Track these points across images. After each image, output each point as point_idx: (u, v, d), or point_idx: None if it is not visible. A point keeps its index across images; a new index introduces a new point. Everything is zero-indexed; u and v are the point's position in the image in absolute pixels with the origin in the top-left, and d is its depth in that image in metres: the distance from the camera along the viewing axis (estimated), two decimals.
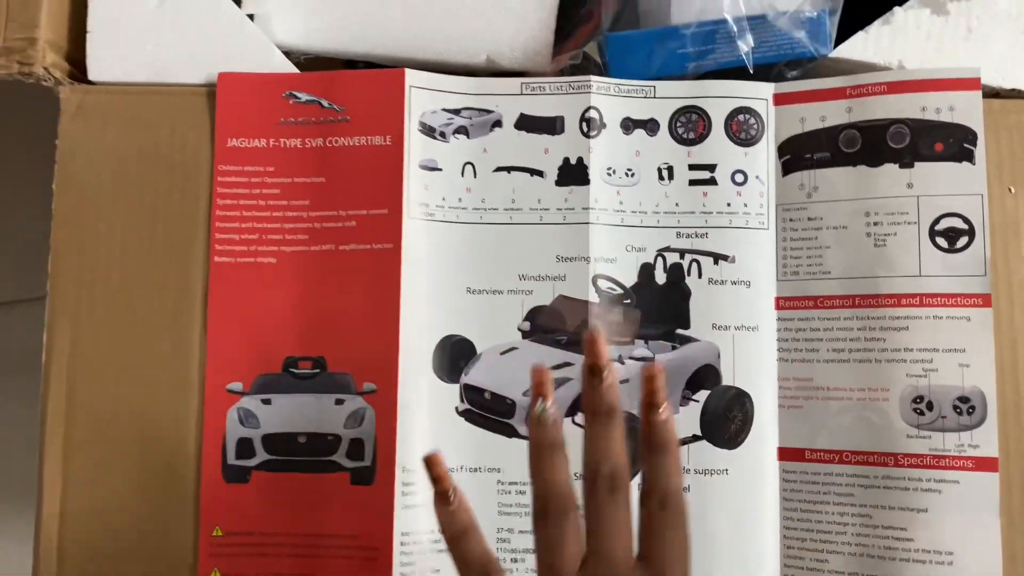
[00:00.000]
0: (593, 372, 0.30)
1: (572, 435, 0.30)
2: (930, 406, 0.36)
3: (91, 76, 0.39)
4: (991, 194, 0.38)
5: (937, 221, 0.37)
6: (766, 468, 0.37)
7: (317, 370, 0.37)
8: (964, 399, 0.35)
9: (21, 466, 0.46)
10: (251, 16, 0.40)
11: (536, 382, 0.30)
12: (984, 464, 0.35)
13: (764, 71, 0.40)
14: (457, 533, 0.30)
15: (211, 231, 0.38)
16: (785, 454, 0.37)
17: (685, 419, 0.37)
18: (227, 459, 0.37)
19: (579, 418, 0.36)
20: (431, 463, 0.30)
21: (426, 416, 0.37)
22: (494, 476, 0.37)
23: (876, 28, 0.41)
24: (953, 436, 0.35)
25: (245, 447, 0.37)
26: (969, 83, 0.37)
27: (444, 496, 0.30)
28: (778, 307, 0.38)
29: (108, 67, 0.39)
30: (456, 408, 0.38)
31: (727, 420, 0.38)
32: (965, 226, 0.36)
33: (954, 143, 0.37)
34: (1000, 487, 0.35)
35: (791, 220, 0.38)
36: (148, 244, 0.38)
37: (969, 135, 0.37)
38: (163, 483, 0.37)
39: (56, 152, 0.38)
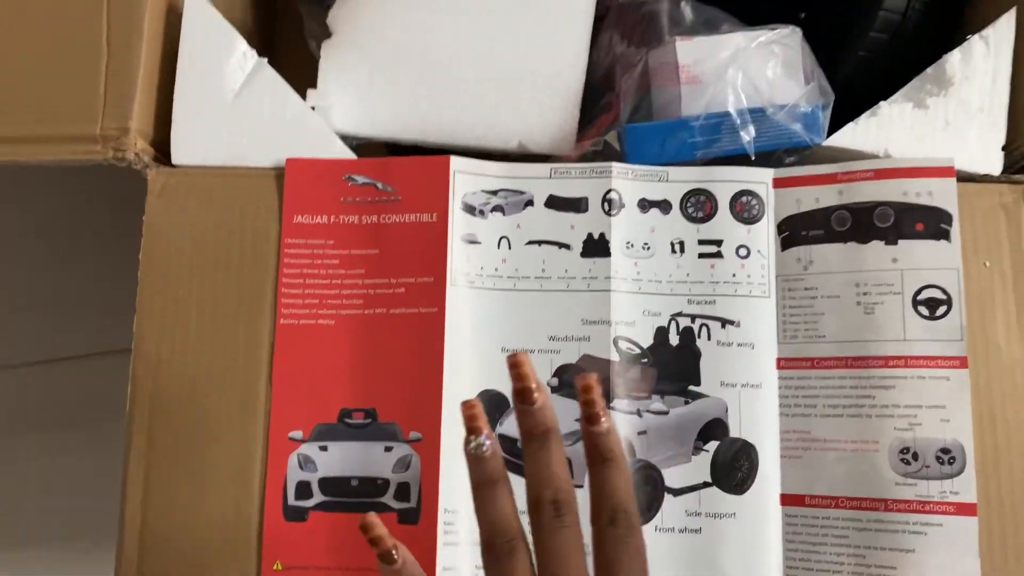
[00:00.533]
0: (521, 396, 0.29)
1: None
2: (916, 456, 0.40)
3: (175, 160, 0.45)
4: (967, 268, 0.43)
5: (919, 292, 0.41)
6: (770, 512, 0.42)
7: (369, 420, 0.42)
8: (946, 450, 0.40)
9: (94, 504, 0.51)
10: (314, 108, 0.46)
11: (466, 416, 0.29)
12: (964, 509, 0.39)
13: (764, 158, 0.45)
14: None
15: (277, 296, 0.43)
16: (787, 500, 0.42)
17: (696, 467, 0.42)
18: (287, 500, 0.41)
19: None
20: (366, 528, 0.30)
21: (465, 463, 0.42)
22: (524, 518, 0.42)
23: (864, 120, 0.46)
24: (936, 484, 0.40)
25: (303, 489, 0.41)
26: (945, 171, 0.42)
27: (387, 555, 0.30)
28: (779, 367, 0.43)
29: (189, 152, 0.45)
30: None
31: (734, 468, 0.42)
32: (944, 297, 0.41)
33: (932, 223, 0.42)
34: (979, 530, 0.39)
35: (790, 290, 0.43)
36: (222, 307, 0.43)
37: (945, 217, 0.42)
38: (230, 520, 0.41)
39: (143, 225, 0.44)
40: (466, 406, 0.29)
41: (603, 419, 0.29)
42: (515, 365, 0.29)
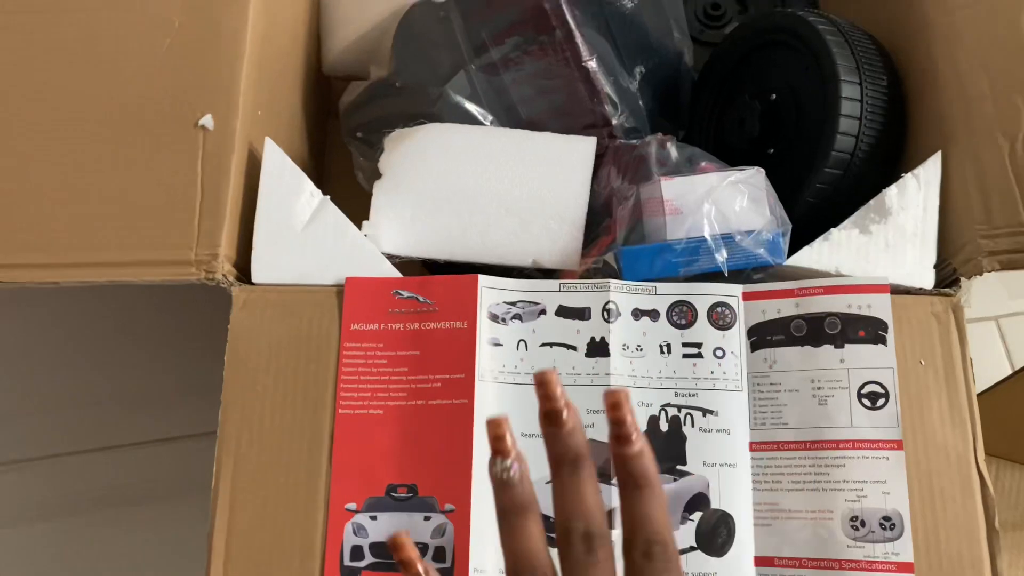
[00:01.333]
0: (549, 418, 0.26)
1: None
2: (863, 524, 0.48)
3: (255, 279, 0.53)
4: (905, 366, 0.51)
5: (862, 387, 0.50)
6: (745, 572, 0.49)
7: (411, 494, 0.50)
8: (887, 518, 0.48)
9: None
10: (367, 235, 0.56)
11: (492, 436, 0.26)
12: (903, 567, 0.47)
13: (736, 275, 0.54)
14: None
15: (337, 390, 0.52)
16: (760, 561, 0.49)
17: (684, 534, 0.50)
18: (343, 561, 0.49)
19: None
20: (397, 548, 0.27)
21: (492, 530, 0.50)
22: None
23: (818, 243, 0.54)
24: (880, 546, 0.47)
25: (357, 552, 0.50)
26: (881, 288, 0.51)
27: None
28: (751, 449, 0.51)
29: (267, 272, 0.54)
30: None
31: (715, 535, 0.50)
32: (883, 391, 0.50)
33: (872, 330, 0.51)
34: None
35: (758, 385, 0.52)
36: (291, 400, 0.52)
37: (882, 325, 0.51)
38: None
39: (228, 334, 0.53)
40: (492, 424, 0.27)
41: (635, 438, 0.26)
42: (542, 384, 0.26)
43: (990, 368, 0.63)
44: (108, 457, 0.74)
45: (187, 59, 0.56)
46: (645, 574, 0.26)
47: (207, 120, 0.55)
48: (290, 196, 0.55)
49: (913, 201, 0.55)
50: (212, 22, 0.57)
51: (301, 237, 0.54)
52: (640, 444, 0.26)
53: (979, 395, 0.63)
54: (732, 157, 0.61)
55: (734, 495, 0.50)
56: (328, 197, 0.56)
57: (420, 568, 0.29)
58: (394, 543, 0.28)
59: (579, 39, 0.61)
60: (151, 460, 0.74)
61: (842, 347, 0.51)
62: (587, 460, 0.27)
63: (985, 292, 0.70)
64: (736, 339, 0.53)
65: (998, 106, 0.55)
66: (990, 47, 0.56)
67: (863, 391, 0.50)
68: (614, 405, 0.26)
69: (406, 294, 0.53)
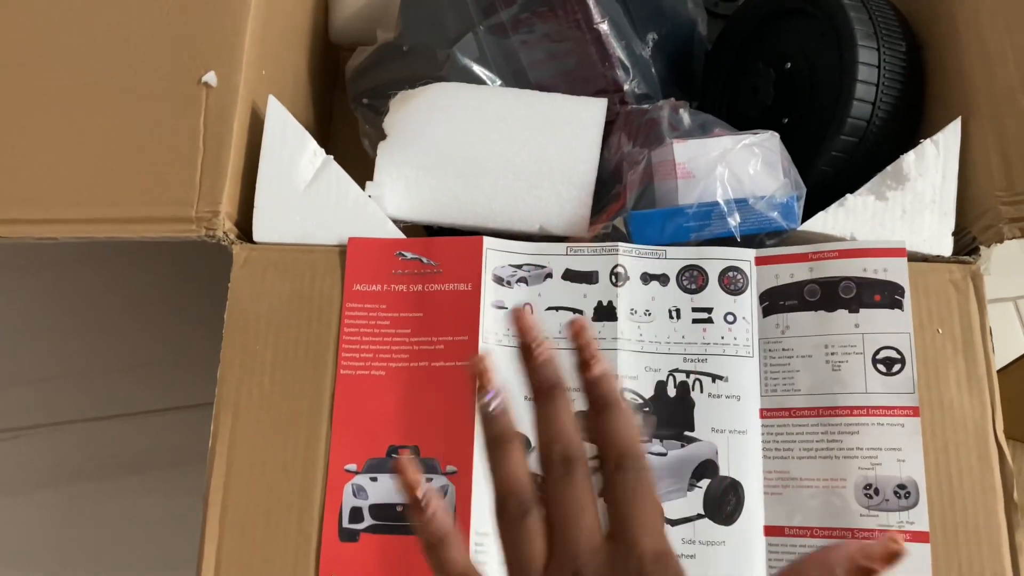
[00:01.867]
0: (525, 351, 0.28)
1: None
2: (877, 492, 0.47)
3: (255, 238, 0.53)
4: (922, 334, 0.50)
5: (878, 352, 0.49)
6: (755, 541, 0.48)
7: (413, 456, 0.49)
8: (902, 486, 0.46)
9: (171, 539, 0.59)
10: (371, 196, 0.55)
11: (475, 374, 0.28)
12: (918, 536, 0.45)
13: (748, 240, 0.53)
14: (435, 541, 0.28)
15: (339, 351, 0.51)
16: (769, 530, 0.48)
17: (691, 501, 0.48)
18: (342, 523, 0.48)
19: None
20: (402, 467, 0.28)
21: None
22: None
23: (834, 209, 0.53)
24: (895, 515, 0.46)
25: (356, 514, 0.49)
26: (897, 252, 0.50)
27: (417, 504, 0.29)
28: (762, 416, 0.50)
29: (268, 231, 0.53)
30: None
31: (724, 503, 0.49)
32: (898, 356, 0.49)
33: (888, 295, 0.49)
34: (935, 555, 0.46)
35: (770, 351, 0.51)
36: (292, 360, 0.51)
37: (899, 290, 0.49)
38: (293, 540, 0.48)
39: (228, 292, 0.52)
40: (474, 362, 0.28)
41: (597, 363, 0.27)
42: (518, 319, 0.28)
43: (1007, 349, 0.61)
44: (112, 426, 0.74)
45: (191, 16, 0.56)
46: (619, 486, 0.27)
47: (210, 77, 0.54)
48: (293, 154, 0.54)
49: (932, 167, 0.54)
50: None
51: (304, 196, 0.54)
52: (603, 367, 0.28)
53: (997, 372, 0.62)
54: (745, 127, 0.60)
55: (743, 462, 0.49)
56: (331, 157, 0.55)
57: (419, 493, 0.29)
58: (398, 465, 0.29)
59: (591, 1, 0.59)
60: (156, 429, 0.73)
61: (857, 311, 0.49)
62: (562, 389, 0.29)
63: (1004, 271, 0.68)
64: (748, 304, 0.51)
65: (1021, 68, 0.53)
66: (1012, 7, 0.54)
67: (878, 356, 0.49)
68: (577, 332, 0.28)
69: (410, 255, 0.52)
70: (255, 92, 0.56)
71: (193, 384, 0.73)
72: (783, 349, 0.50)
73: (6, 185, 0.53)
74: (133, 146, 0.53)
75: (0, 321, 0.77)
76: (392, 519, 0.48)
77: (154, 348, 0.76)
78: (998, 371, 0.61)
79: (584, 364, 0.28)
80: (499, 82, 0.62)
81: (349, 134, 0.69)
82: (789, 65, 0.63)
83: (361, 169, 0.58)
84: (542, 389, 0.29)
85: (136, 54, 0.55)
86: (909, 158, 0.54)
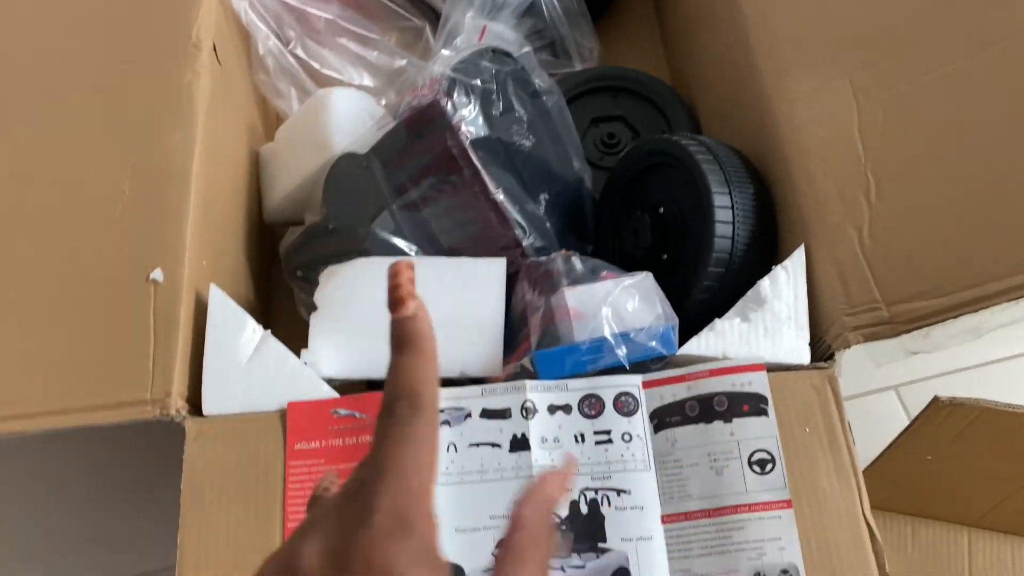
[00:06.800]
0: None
1: None
2: None
3: (205, 411, 0.59)
4: (791, 433, 0.57)
5: (752, 455, 0.56)
6: None
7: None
8: (785, 571, 0.53)
9: None
10: (306, 363, 0.63)
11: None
12: None
13: (637, 367, 0.61)
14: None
15: (285, 507, 0.57)
16: None
17: None
18: None
19: None
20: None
21: None
22: None
23: (705, 333, 0.61)
24: None
25: None
26: (758, 367, 0.58)
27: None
28: (663, 522, 0.56)
29: (216, 404, 0.59)
30: None
31: None
32: (770, 457, 0.56)
33: (754, 404, 0.57)
34: None
35: (664, 462, 0.58)
36: (244, 519, 0.56)
37: (762, 399, 0.57)
38: None
39: (184, 463, 0.58)
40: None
41: (403, 305, 0.26)
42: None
43: (893, 433, 0.70)
44: None
45: (137, 224, 0.64)
46: (378, 429, 0.26)
47: (157, 274, 0.61)
48: (234, 333, 0.61)
49: (785, 289, 0.63)
50: (158, 189, 0.65)
51: (246, 369, 0.61)
52: (414, 307, 0.27)
53: (880, 457, 0.70)
54: (634, 265, 0.69)
55: (652, 565, 0.55)
56: (269, 331, 0.62)
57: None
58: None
59: (485, 176, 0.69)
60: None
61: (730, 421, 0.57)
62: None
63: (893, 365, 0.77)
64: (640, 423, 0.59)
65: (845, 203, 0.64)
66: (832, 155, 0.65)
67: (753, 459, 0.56)
68: (393, 274, 0.28)
69: (343, 412, 0.59)
70: (198, 281, 0.64)
71: (158, 550, 0.77)
72: (674, 460, 0.58)
73: None
74: (92, 340, 0.60)
75: None
76: None
77: (122, 517, 0.80)
78: (883, 453, 0.70)
79: (396, 302, 0.27)
80: (416, 249, 0.71)
81: (288, 303, 0.77)
82: (662, 210, 0.74)
83: (301, 332, 0.65)
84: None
85: (89, 260, 0.63)
86: (765, 283, 0.63)
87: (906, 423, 0.82)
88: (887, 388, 0.86)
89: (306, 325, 0.67)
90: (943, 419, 0.63)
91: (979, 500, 0.72)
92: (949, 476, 0.71)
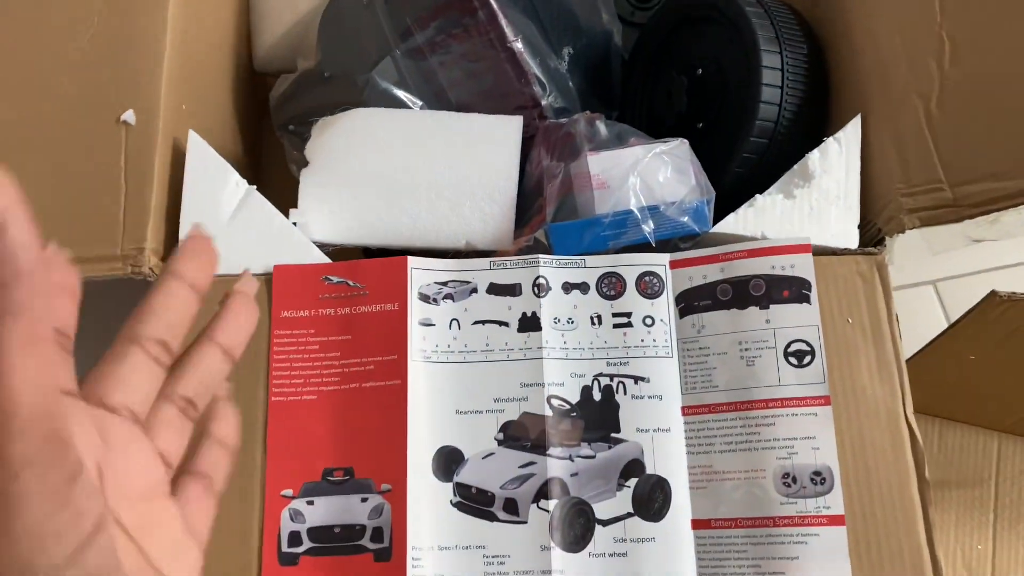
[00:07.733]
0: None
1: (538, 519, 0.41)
2: (794, 480, 0.49)
3: None
4: (831, 324, 0.52)
5: (789, 345, 0.51)
6: (683, 535, 0.50)
7: (347, 477, 0.50)
8: (817, 473, 0.48)
9: None
10: (295, 223, 0.56)
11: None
12: (835, 520, 0.47)
13: (664, 244, 0.55)
14: None
15: (269, 378, 0.52)
16: (697, 524, 0.50)
17: (620, 501, 0.50)
18: (281, 547, 0.49)
19: (543, 503, 0.49)
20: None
21: (428, 508, 0.50)
22: (480, 552, 0.50)
23: (743, 210, 0.55)
24: (812, 501, 0.48)
25: (294, 538, 0.49)
26: (803, 248, 0.52)
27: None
28: (683, 413, 0.52)
29: None
30: (450, 501, 0.50)
31: (651, 500, 0.50)
32: (808, 348, 0.51)
33: (795, 290, 0.51)
34: (852, 538, 0.48)
35: (688, 350, 0.53)
36: None
37: (805, 284, 0.52)
38: (235, 567, 0.49)
39: None
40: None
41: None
42: (192, 237, 0.32)
43: (929, 331, 0.64)
44: None
45: (107, 56, 0.56)
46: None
47: (128, 115, 0.54)
48: (215, 187, 0.55)
49: (835, 164, 0.56)
50: (131, 19, 0.56)
51: (227, 227, 0.54)
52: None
53: (915, 356, 0.64)
54: (663, 133, 0.61)
55: (669, 460, 0.50)
56: (254, 187, 0.56)
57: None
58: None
59: (502, 20, 0.61)
60: None
61: (767, 308, 0.51)
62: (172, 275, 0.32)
63: (919, 256, 0.71)
64: (665, 307, 0.53)
65: (912, 68, 0.56)
66: (903, 12, 0.57)
67: (789, 350, 0.51)
68: None
69: (336, 279, 0.53)
70: (176, 128, 0.57)
71: None
72: (700, 348, 0.52)
73: None
74: (55, 188, 0.54)
75: None
76: (331, 540, 0.49)
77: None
78: (919, 351, 0.64)
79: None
80: (420, 103, 0.63)
81: (279, 160, 0.70)
82: (700, 71, 0.66)
83: (292, 196, 0.59)
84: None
85: (54, 93, 0.55)
86: (814, 156, 0.56)
87: (942, 320, 0.77)
88: (924, 283, 0.80)
89: (297, 187, 0.60)
90: (997, 316, 0.57)
91: (1019, 405, 0.67)
92: (990, 378, 0.66)
